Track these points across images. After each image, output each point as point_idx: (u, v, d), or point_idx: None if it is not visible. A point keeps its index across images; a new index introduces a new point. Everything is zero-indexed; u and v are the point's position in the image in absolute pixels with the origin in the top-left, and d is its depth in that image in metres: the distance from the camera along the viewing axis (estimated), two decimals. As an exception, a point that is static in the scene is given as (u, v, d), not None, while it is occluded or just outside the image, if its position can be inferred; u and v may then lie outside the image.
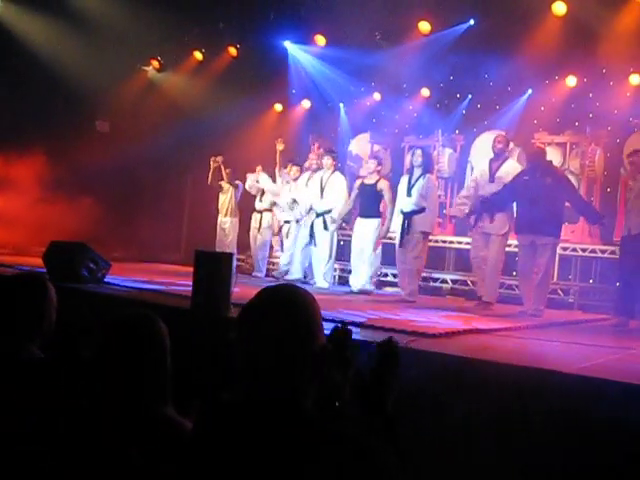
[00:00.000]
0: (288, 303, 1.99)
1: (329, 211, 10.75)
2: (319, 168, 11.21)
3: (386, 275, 11.94)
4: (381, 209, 10.90)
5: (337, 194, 10.74)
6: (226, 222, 13.07)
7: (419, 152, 9.87)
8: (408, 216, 9.64)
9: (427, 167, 9.86)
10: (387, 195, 10.24)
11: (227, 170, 12.96)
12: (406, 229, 9.65)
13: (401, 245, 9.72)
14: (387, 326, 6.18)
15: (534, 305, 8.73)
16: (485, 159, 9.70)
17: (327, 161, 10.90)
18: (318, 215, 10.85)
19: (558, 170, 9.58)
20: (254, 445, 1.86)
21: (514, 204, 9.20)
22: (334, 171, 10.93)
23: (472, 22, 12.24)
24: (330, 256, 10.78)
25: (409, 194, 9.70)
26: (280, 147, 12.00)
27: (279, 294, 2.04)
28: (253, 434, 1.87)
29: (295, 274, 11.15)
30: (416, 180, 9.70)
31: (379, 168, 10.48)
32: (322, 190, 10.80)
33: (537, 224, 8.62)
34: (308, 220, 10.96)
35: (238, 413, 1.94)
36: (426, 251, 9.98)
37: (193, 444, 2.03)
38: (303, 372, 1.94)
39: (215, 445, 1.93)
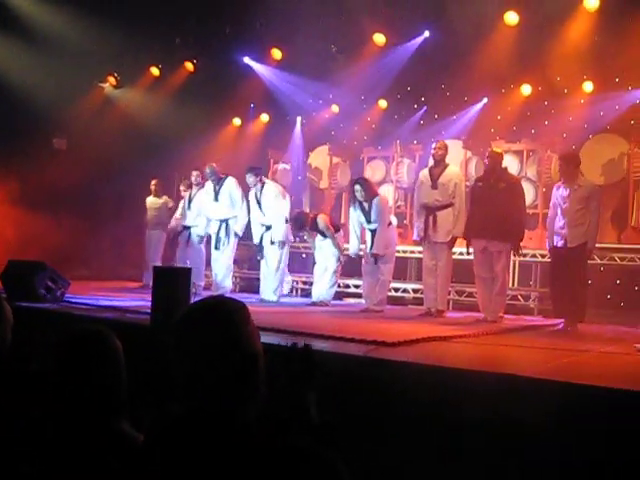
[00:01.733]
0: (223, 313, 2.02)
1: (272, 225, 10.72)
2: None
3: (348, 286, 11.96)
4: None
5: (274, 205, 10.67)
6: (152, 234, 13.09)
7: (358, 187, 9.83)
8: (373, 232, 9.72)
9: (370, 194, 9.83)
10: (328, 233, 10.35)
11: (153, 181, 12.97)
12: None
13: (367, 261, 9.82)
14: (347, 336, 6.20)
15: (493, 312, 8.80)
16: (425, 168, 9.82)
17: (249, 179, 10.77)
18: (268, 228, 10.76)
19: (513, 177, 9.61)
20: (203, 459, 1.86)
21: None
22: (263, 184, 10.81)
23: (427, 34, 12.34)
24: (277, 269, 10.71)
25: (369, 222, 9.77)
26: None
27: (213, 305, 2.08)
28: (199, 447, 1.88)
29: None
30: (369, 209, 9.75)
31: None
32: (259, 205, 10.75)
33: (489, 229, 8.69)
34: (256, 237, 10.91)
35: (184, 427, 1.94)
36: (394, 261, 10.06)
37: (143, 457, 2.03)
38: (241, 381, 1.96)
39: (163, 458, 1.93)
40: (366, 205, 9.75)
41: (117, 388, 2.62)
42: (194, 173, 11.81)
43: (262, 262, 10.88)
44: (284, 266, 10.92)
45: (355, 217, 9.96)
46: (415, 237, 9.79)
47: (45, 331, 3.73)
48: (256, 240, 10.91)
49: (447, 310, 9.73)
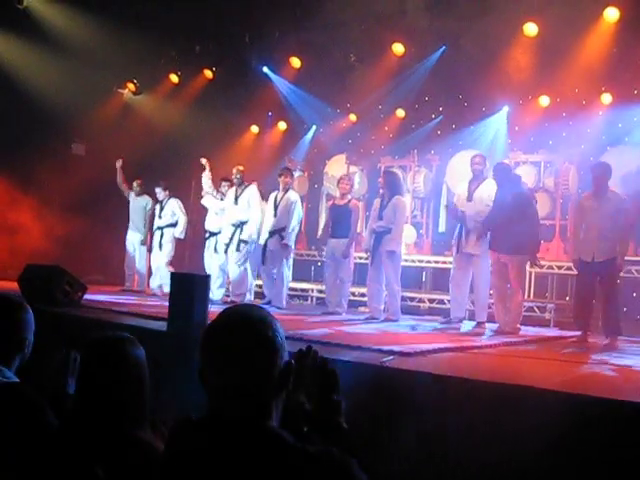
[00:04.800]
0: (253, 321, 2.02)
1: (281, 229, 10.65)
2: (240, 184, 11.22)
3: (363, 295, 11.94)
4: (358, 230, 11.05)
5: (290, 211, 10.67)
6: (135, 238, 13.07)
7: (382, 175, 10.06)
8: (379, 236, 9.71)
9: (393, 190, 9.88)
10: (354, 215, 10.34)
11: (139, 181, 13.03)
12: (377, 248, 9.71)
13: (372, 264, 9.79)
14: (364, 345, 6.20)
15: (510, 323, 8.78)
16: (465, 180, 9.77)
17: (285, 179, 10.80)
18: (272, 234, 10.72)
19: (524, 190, 9.46)
20: (224, 465, 1.88)
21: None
22: (287, 190, 10.82)
23: (444, 48, 12.37)
24: (286, 275, 10.73)
25: (380, 217, 9.78)
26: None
27: (243, 313, 2.07)
28: (223, 454, 1.89)
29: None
30: (386, 204, 9.78)
31: (352, 190, 10.57)
32: (276, 209, 10.73)
33: (501, 244, 8.67)
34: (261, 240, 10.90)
35: (208, 433, 1.95)
36: (399, 269, 10.02)
37: (165, 464, 2.04)
38: (270, 389, 1.98)
39: (186, 465, 1.94)
40: (385, 200, 9.81)
41: (139, 396, 2.63)
42: (223, 183, 11.74)
43: (265, 267, 10.89)
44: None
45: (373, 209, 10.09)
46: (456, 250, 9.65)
47: (64, 335, 3.75)
48: (261, 241, 10.93)
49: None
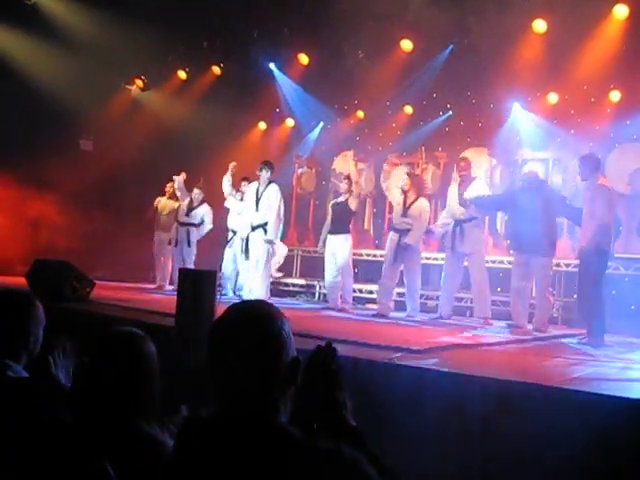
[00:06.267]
0: (259, 317, 2.02)
1: (265, 224, 10.59)
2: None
3: (371, 292, 11.94)
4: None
5: (270, 207, 10.59)
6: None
7: (405, 177, 10.25)
8: (402, 233, 9.78)
9: (419, 192, 10.23)
10: (349, 211, 10.58)
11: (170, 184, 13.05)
12: (399, 245, 9.79)
13: (395, 261, 9.83)
14: (372, 342, 6.19)
15: (539, 320, 8.89)
16: (455, 185, 10.11)
17: (265, 174, 10.70)
18: (254, 228, 10.66)
19: (548, 187, 9.61)
20: (234, 463, 1.87)
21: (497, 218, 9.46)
22: (269, 183, 10.74)
23: (452, 45, 12.36)
24: (265, 269, 10.67)
25: (405, 215, 9.92)
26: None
27: (249, 309, 2.08)
28: (231, 451, 1.89)
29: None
30: (410, 205, 9.96)
31: (352, 188, 10.57)
32: (257, 202, 10.66)
33: (531, 244, 8.70)
34: (244, 233, 10.89)
35: (216, 430, 1.95)
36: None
37: (174, 462, 2.04)
38: (277, 386, 1.98)
39: (195, 463, 1.94)
40: (408, 200, 10.01)
41: (149, 392, 2.63)
42: (243, 183, 11.78)
43: (243, 262, 10.98)
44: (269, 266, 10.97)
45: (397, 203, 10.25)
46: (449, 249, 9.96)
47: (73, 331, 3.74)
48: (242, 235, 10.93)
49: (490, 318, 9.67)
